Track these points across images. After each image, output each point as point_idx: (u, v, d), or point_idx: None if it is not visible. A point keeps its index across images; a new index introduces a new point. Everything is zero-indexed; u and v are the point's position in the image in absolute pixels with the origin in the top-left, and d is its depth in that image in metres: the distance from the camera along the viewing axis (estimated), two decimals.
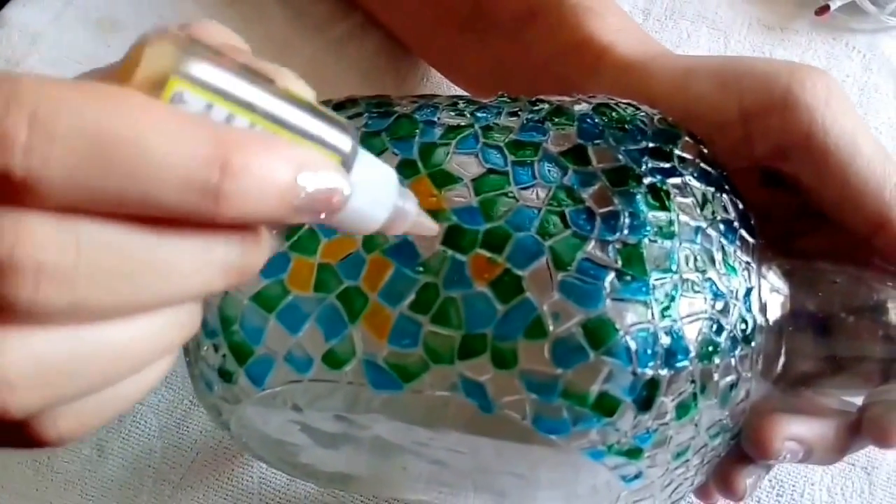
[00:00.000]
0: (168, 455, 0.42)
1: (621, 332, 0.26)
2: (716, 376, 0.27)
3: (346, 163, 0.20)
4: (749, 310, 0.28)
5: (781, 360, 0.31)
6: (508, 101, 0.32)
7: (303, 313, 0.28)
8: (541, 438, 0.27)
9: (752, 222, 0.30)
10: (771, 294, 0.30)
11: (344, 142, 0.20)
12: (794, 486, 0.40)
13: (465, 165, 0.30)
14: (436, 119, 0.31)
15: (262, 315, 0.28)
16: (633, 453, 0.27)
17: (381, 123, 0.31)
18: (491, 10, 0.42)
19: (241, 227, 0.19)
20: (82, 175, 0.16)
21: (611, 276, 0.26)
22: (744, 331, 0.28)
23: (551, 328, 0.26)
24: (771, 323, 0.30)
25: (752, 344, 0.29)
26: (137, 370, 0.20)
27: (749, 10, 0.51)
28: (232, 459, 0.42)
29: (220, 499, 0.41)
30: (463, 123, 0.31)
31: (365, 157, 0.21)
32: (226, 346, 0.29)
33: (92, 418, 0.20)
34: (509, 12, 0.41)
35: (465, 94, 0.44)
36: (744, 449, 0.31)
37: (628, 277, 0.26)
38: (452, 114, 0.32)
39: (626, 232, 0.27)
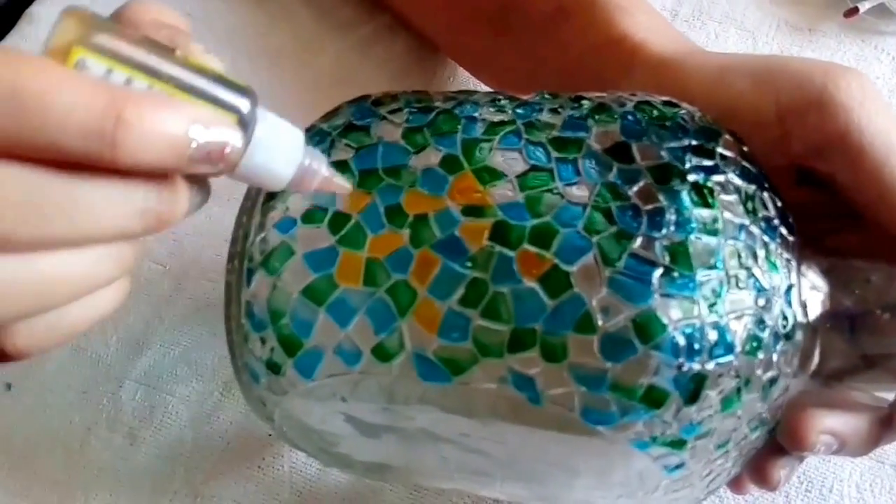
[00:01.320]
0: (199, 444, 0.43)
1: (669, 327, 0.26)
2: (758, 371, 0.28)
3: (245, 121, 0.23)
4: (790, 306, 0.29)
5: (817, 355, 0.31)
6: (549, 98, 0.32)
7: (352, 307, 0.28)
8: (587, 429, 0.27)
9: (791, 220, 0.30)
10: (811, 292, 0.31)
11: (242, 103, 0.23)
12: (822, 481, 0.40)
13: (509, 162, 0.30)
14: (476, 115, 0.32)
15: (312, 308, 0.29)
16: (678, 444, 0.28)
17: (423, 119, 0.32)
18: (520, 9, 0.42)
19: (157, 176, 0.22)
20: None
21: (658, 272, 0.27)
22: (784, 327, 0.29)
23: (601, 323, 0.26)
24: (811, 320, 0.30)
25: (792, 340, 0.29)
26: (76, 297, 0.23)
27: (777, 12, 0.51)
28: (263, 449, 0.43)
29: (252, 486, 0.42)
30: (504, 120, 0.32)
31: (270, 118, 0.24)
32: (275, 339, 0.29)
33: (45, 337, 0.23)
34: (539, 11, 0.41)
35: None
36: (779, 441, 0.32)
37: (675, 274, 0.27)
38: (493, 110, 0.32)
39: (672, 229, 0.27)
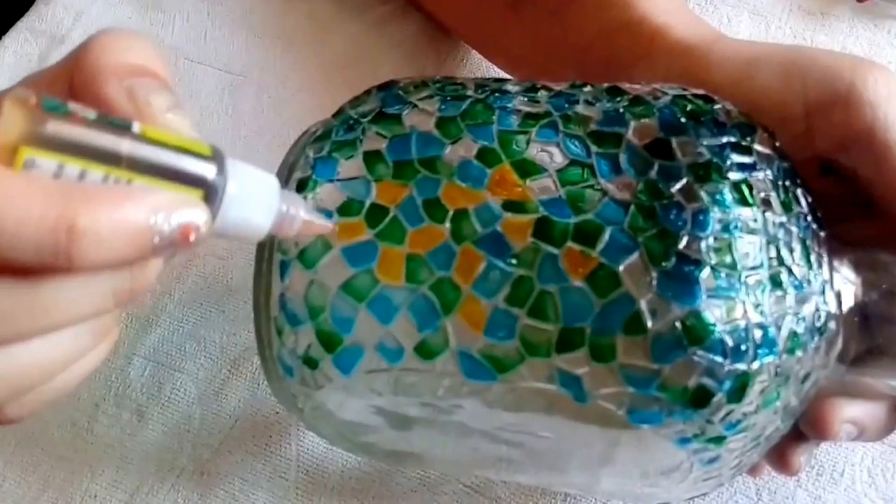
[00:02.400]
0: (207, 422, 0.43)
1: (717, 328, 0.26)
2: (797, 367, 0.29)
3: (212, 190, 0.22)
4: (824, 301, 0.29)
5: (839, 345, 0.31)
6: (582, 88, 0.32)
7: (394, 304, 0.28)
8: (632, 427, 0.27)
9: (819, 215, 0.30)
10: (844, 285, 0.30)
11: (207, 170, 0.22)
12: (833, 466, 0.40)
13: (547, 155, 0.30)
14: (510, 106, 0.32)
15: (353, 305, 0.28)
16: (718, 441, 0.28)
17: (456, 108, 0.31)
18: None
19: None
20: None
21: (705, 272, 0.27)
22: (818, 321, 0.29)
23: (650, 324, 0.26)
24: (844, 312, 0.30)
25: (825, 334, 0.30)
26: (60, 370, 0.23)
27: None
28: (270, 427, 0.43)
29: (259, 464, 0.42)
30: (540, 112, 0.31)
31: (242, 171, 0.23)
32: (313, 335, 0.29)
33: (35, 404, 0.24)
34: None
35: (509, 76, 0.43)
36: (802, 429, 0.33)
37: (722, 273, 0.27)
38: (526, 100, 0.32)
39: (717, 227, 0.27)
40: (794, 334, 0.27)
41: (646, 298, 0.26)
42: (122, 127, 0.21)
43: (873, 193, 0.34)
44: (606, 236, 0.27)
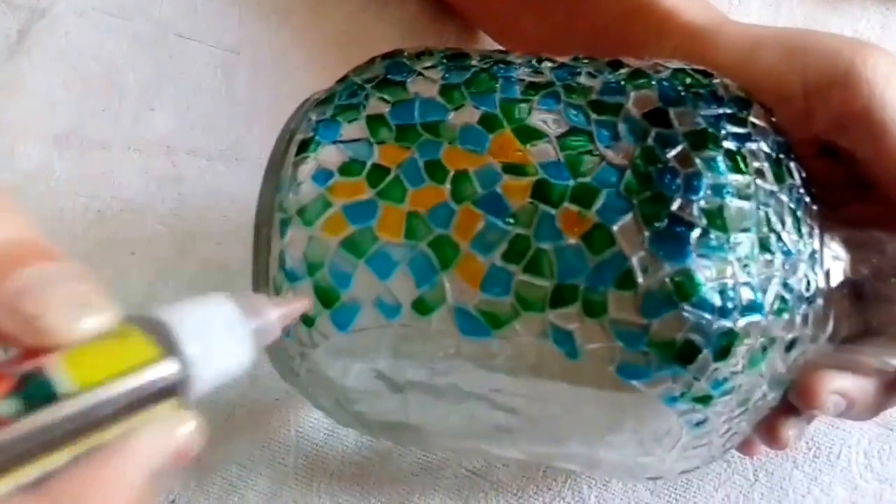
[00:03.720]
0: (204, 409, 0.44)
1: (705, 286, 0.29)
2: (783, 331, 0.31)
3: (183, 381, 0.21)
4: (814, 271, 0.32)
5: (832, 321, 0.34)
6: (585, 61, 0.35)
7: (393, 260, 0.31)
8: (621, 384, 0.30)
9: (813, 190, 0.34)
10: (833, 261, 0.33)
11: (166, 371, 0.21)
12: (830, 447, 0.44)
13: (548, 122, 0.33)
14: (514, 76, 0.35)
15: (351, 261, 0.31)
16: (704, 400, 0.31)
17: (460, 77, 0.34)
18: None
19: None
20: None
21: (696, 232, 0.30)
22: (807, 291, 0.32)
23: (640, 280, 0.29)
24: (831, 287, 0.33)
25: (814, 304, 0.32)
26: None
27: None
28: (268, 414, 0.45)
29: (257, 451, 0.44)
30: (542, 81, 0.34)
31: (194, 328, 0.21)
32: (311, 291, 0.31)
33: None
34: None
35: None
36: (790, 401, 0.35)
37: (711, 235, 0.30)
38: (529, 71, 0.35)
39: (709, 192, 0.30)
40: (781, 298, 0.30)
41: (637, 256, 0.29)
42: (48, 396, 0.18)
43: (870, 173, 0.36)
44: (602, 198, 0.30)
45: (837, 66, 0.35)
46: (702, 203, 0.30)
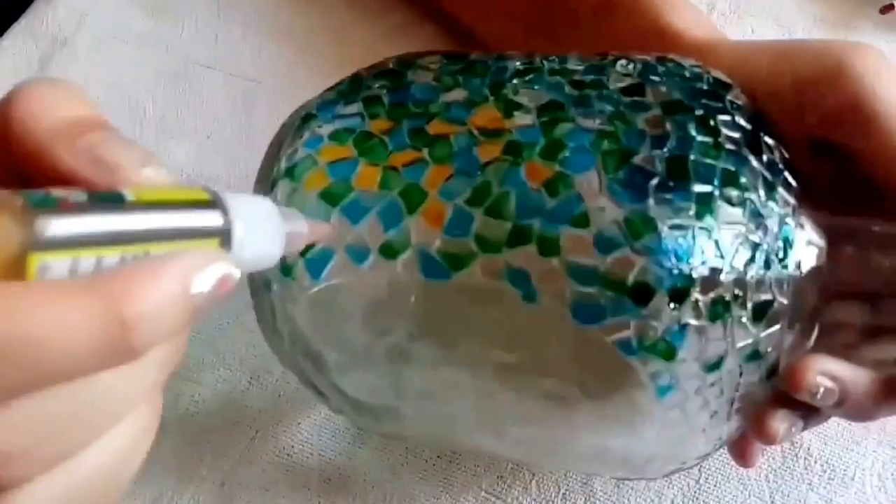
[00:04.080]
0: (228, 432, 0.50)
1: (660, 227, 0.34)
2: (749, 290, 0.35)
3: (224, 235, 0.25)
4: (787, 237, 0.36)
5: (814, 302, 0.38)
6: (577, 55, 0.41)
7: (365, 207, 0.36)
8: (579, 335, 0.35)
9: (796, 173, 0.38)
10: (808, 246, 0.37)
11: (214, 218, 0.25)
12: (845, 470, 0.47)
13: (530, 97, 0.39)
14: (507, 65, 0.41)
15: (327, 209, 0.36)
16: (667, 353, 0.34)
17: (456, 66, 0.41)
18: (565, 8, 0.51)
19: None
20: (5, 386, 0.20)
21: (656, 180, 0.34)
22: (779, 255, 0.35)
23: (595, 219, 0.34)
24: (811, 267, 0.37)
25: (788, 269, 0.36)
26: (127, 465, 0.26)
27: (813, 8, 0.60)
28: (291, 437, 0.50)
29: (280, 474, 0.49)
30: (533, 67, 0.40)
31: (242, 206, 0.26)
32: None
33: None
34: (584, 5, 0.50)
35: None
36: (780, 389, 0.38)
37: (671, 184, 0.34)
38: (522, 61, 0.41)
39: (674, 147, 0.35)
40: (744, 250, 0.34)
41: (595, 198, 0.34)
42: (115, 200, 0.23)
43: (863, 167, 0.40)
44: (568, 152, 0.36)
45: (827, 61, 0.40)
46: (665, 155, 0.35)
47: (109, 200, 0.23)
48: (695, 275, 0.34)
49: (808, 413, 0.40)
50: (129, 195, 0.23)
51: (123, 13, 0.60)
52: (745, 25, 0.59)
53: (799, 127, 0.41)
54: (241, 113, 0.58)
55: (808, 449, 0.48)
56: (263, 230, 0.27)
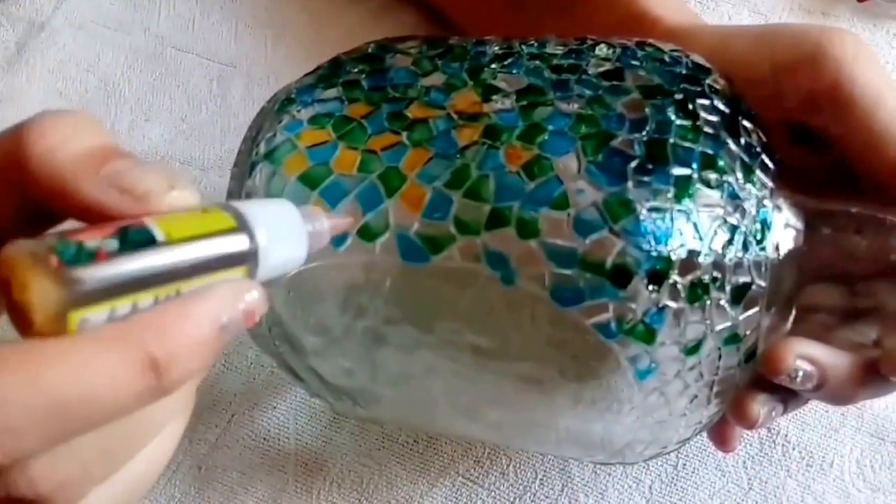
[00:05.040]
0: (203, 416, 0.50)
1: (639, 210, 0.34)
2: (728, 273, 0.35)
3: (253, 256, 0.26)
4: (765, 220, 0.36)
5: (791, 285, 0.39)
6: (556, 39, 0.42)
7: (344, 190, 0.36)
8: (559, 319, 0.35)
9: (775, 156, 0.38)
10: (785, 229, 0.38)
11: (240, 242, 0.26)
12: (823, 456, 0.47)
13: (509, 82, 0.39)
14: (486, 50, 0.41)
15: (306, 192, 0.37)
16: (647, 336, 0.35)
17: (434, 50, 0.41)
18: None
19: None
20: (50, 437, 0.23)
21: (634, 163, 0.35)
22: (757, 237, 0.36)
23: (574, 201, 0.34)
24: (789, 250, 0.37)
25: (766, 251, 0.36)
26: (160, 467, 0.29)
27: None
28: (267, 421, 0.50)
29: (257, 458, 0.49)
30: (509, 52, 0.40)
31: (263, 217, 0.27)
32: None
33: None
34: None
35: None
36: (760, 372, 0.38)
37: (650, 166, 0.35)
38: (501, 46, 0.41)
39: (653, 130, 0.36)
40: (722, 232, 0.35)
41: (574, 181, 0.34)
42: (146, 241, 0.23)
43: (841, 149, 0.41)
44: (547, 136, 0.36)
45: (805, 45, 0.41)
46: (644, 139, 0.35)
47: (141, 243, 0.24)
48: (673, 257, 0.35)
49: (788, 397, 0.41)
50: (160, 233, 0.24)
51: None
52: (722, 13, 0.60)
53: (777, 111, 0.42)
54: (216, 97, 0.58)
55: (786, 436, 0.49)
56: (288, 238, 0.28)
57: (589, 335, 0.36)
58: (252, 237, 0.26)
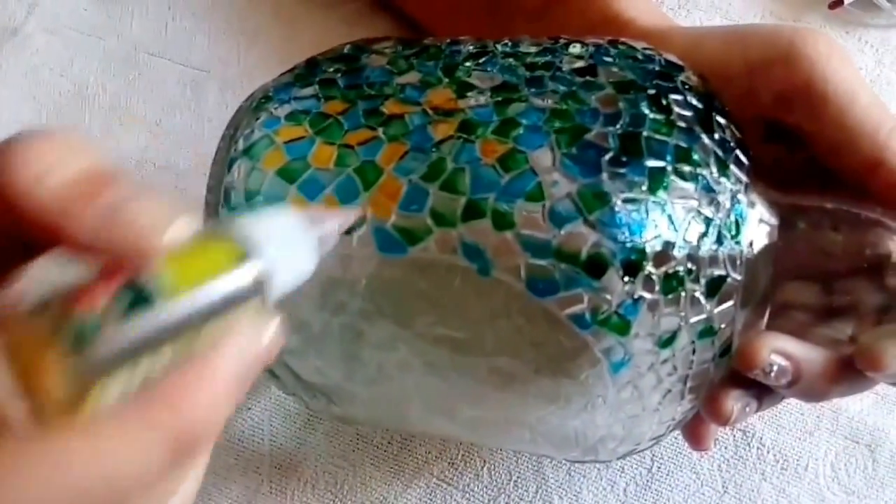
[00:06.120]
0: None
1: (613, 201, 0.35)
2: (702, 265, 0.36)
3: (263, 283, 0.26)
4: (739, 214, 0.37)
5: (771, 304, 0.40)
6: (530, 38, 0.43)
7: (321, 184, 0.37)
8: (533, 310, 0.36)
9: (749, 151, 0.39)
10: (760, 225, 0.39)
11: (249, 274, 0.25)
12: (798, 460, 0.48)
13: (483, 79, 0.40)
14: (460, 49, 0.42)
15: (284, 186, 0.38)
16: (621, 328, 0.36)
17: (410, 50, 0.42)
18: (513, 2, 0.53)
19: None
20: None
21: (608, 155, 0.36)
22: (731, 231, 0.37)
23: (549, 193, 0.35)
24: (764, 245, 0.39)
25: (741, 245, 0.37)
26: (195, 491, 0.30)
27: (763, 2, 0.61)
28: (242, 422, 0.51)
29: (232, 459, 0.50)
30: (486, 50, 0.42)
31: (273, 237, 0.27)
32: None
33: None
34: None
35: None
36: (734, 368, 0.39)
37: (624, 159, 0.36)
38: (476, 46, 0.42)
39: (627, 124, 0.37)
40: (697, 224, 0.36)
41: (548, 173, 0.35)
42: (153, 296, 0.23)
43: (816, 148, 0.42)
44: (521, 130, 0.37)
45: (778, 44, 0.42)
46: (617, 132, 0.37)
47: (149, 299, 0.23)
48: (648, 248, 0.36)
49: (762, 394, 0.41)
50: (168, 284, 0.23)
51: (73, 2, 0.61)
52: (694, 19, 0.61)
53: (751, 109, 0.43)
54: (190, 102, 0.59)
55: (762, 439, 0.50)
56: (297, 251, 0.28)
57: (564, 327, 0.36)
58: (261, 261, 0.26)
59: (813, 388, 0.40)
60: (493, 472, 0.49)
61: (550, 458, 0.48)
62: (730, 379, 0.40)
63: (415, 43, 0.44)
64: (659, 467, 0.49)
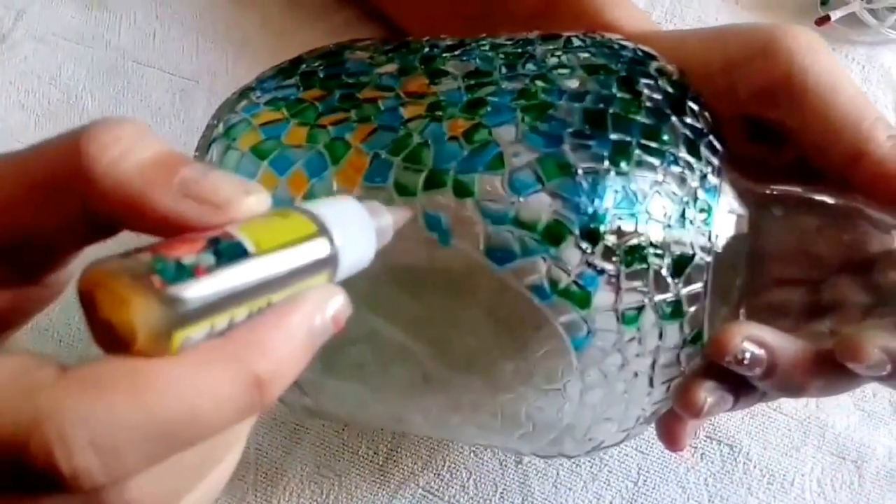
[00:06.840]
0: None
1: (574, 169, 0.37)
2: (668, 242, 0.38)
3: (335, 260, 0.28)
4: (710, 196, 0.39)
5: (746, 301, 0.41)
6: (507, 34, 0.45)
7: (292, 160, 0.40)
8: (494, 280, 0.38)
9: (722, 138, 0.41)
10: (730, 213, 0.40)
11: (323, 248, 0.27)
12: (784, 475, 0.49)
13: (458, 67, 0.43)
14: (440, 44, 0.44)
15: (256, 162, 0.40)
16: (581, 299, 0.37)
17: (389, 45, 0.45)
18: (504, 9, 0.56)
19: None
20: (152, 457, 0.24)
21: (571, 128, 0.38)
22: (700, 210, 0.39)
23: (510, 163, 0.37)
24: (735, 233, 0.40)
25: (710, 227, 0.39)
26: (229, 474, 0.31)
27: (749, 18, 0.63)
28: None
29: None
30: (463, 43, 0.44)
31: (340, 221, 0.28)
32: None
33: None
34: (525, 8, 0.55)
35: None
36: (708, 358, 0.40)
37: (587, 132, 0.38)
38: (455, 40, 0.45)
39: (592, 101, 0.39)
40: (660, 198, 0.38)
41: (511, 145, 0.37)
42: (239, 254, 0.25)
43: (798, 142, 0.43)
44: (489, 107, 0.39)
45: (757, 39, 0.43)
46: (584, 107, 0.38)
47: (235, 255, 0.25)
48: (608, 218, 0.37)
49: (739, 388, 0.42)
50: (251, 245, 0.25)
51: (61, 10, 0.64)
52: None
53: (734, 107, 0.45)
54: (179, 111, 0.61)
55: (748, 454, 0.51)
56: (360, 237, 0.30)
57: (524, 300, 0.38)
58: (332, 240, 0.28)
59: (789, 380, 0.40)
60: (478, 484, 0.50)
61: (519, 453, 0.48)
62: (704, 372, 0.41)
63: (397, 42, 0.47)
64: (645, 481, 0.49)
